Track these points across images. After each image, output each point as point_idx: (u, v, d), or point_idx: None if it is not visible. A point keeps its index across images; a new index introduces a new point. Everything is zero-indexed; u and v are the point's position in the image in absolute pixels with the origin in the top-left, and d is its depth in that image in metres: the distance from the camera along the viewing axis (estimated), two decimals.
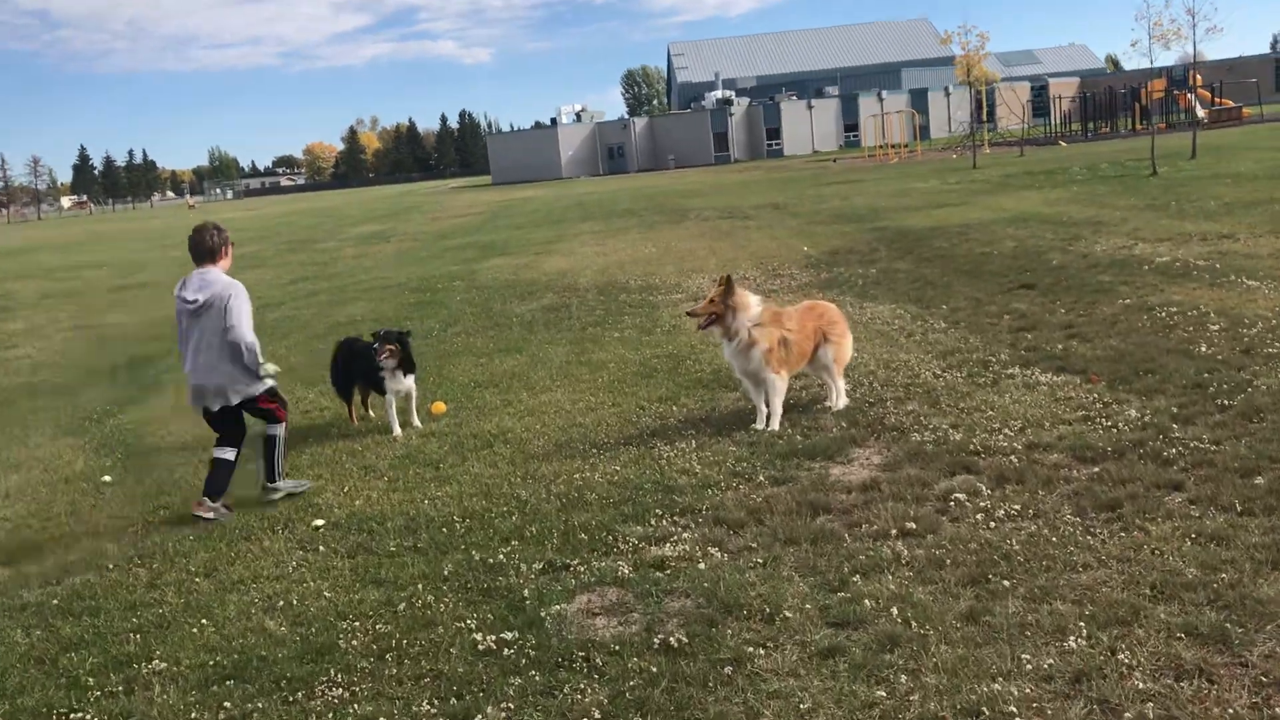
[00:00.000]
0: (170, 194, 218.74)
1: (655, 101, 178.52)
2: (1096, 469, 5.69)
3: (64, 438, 9.05)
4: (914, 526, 5.08)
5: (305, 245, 30.16)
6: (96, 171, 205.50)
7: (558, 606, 4.59)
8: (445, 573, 5.08)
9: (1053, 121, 68.92)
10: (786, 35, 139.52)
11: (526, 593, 4.75)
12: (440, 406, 8.19)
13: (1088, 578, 4.41)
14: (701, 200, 34.55)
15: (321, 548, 5.60)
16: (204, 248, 6.52)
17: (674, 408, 7.83)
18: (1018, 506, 5.25)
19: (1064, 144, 53.12)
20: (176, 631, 4.73)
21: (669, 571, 4.85)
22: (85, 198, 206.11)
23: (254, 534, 5.94)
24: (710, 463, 6.38)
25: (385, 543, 5.56)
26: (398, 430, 7.77)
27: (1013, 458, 5.98)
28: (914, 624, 4.12)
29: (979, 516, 5.18)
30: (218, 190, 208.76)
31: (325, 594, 4.97)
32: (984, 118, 47.63)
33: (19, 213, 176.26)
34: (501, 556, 5.19)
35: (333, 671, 4.20)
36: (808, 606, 4.36)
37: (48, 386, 11.82)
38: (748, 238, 20.50)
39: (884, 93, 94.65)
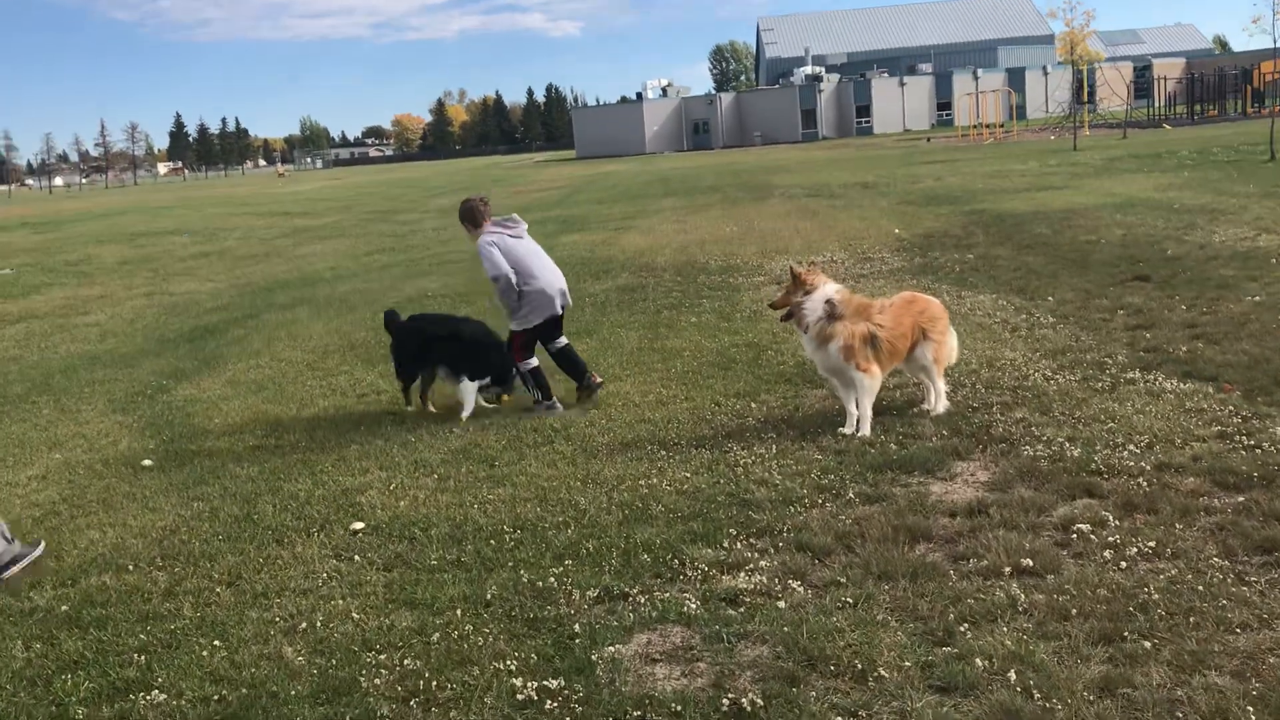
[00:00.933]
0: (262, 162, 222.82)
1: (743, 77, 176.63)
2: (1242, 498, 4.89)
3: (114, 414, 8.67)
4: (1030, 563, 4.35)
5: (387, 216, 29.88)
6: (191, 139, 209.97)
7: (612, 648, 3.95)
8: (488, 596, 4.47)
9: (1156, 103, 66.29)
10: (879, 11, 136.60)
11: (578, 627, 4.11)
12: None
13: (1247, 641, 3.65)
14: (787, 178, 33.60)
15: (357, 557, 5.04)
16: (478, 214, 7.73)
17: (753, 405, 7.13)
18: (1152, 543, 4.48)
19: (1168, 127, 50.95)
20: (185, 654, 4.20)
21: (743, 609, 4.18)
22: (180, 164, 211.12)
23: (288, 536, 5.40)
24: (792, 473, 5.68)
25: (426, 554, 4.97)
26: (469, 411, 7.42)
27: (1141, 480, 5.19)
28: (1036, 694, 3.41)
29: (1107, 554, 4.42)
30: (308, 159, 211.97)
31: (353, 615, 4.39)
32: (1085, 98, 45.63)
33: (117, 178, 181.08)
34: (553, 579, 4.56)
35: (349, 719, 3.62)
36: (907, 663, 3.67)
37: (110, 357, 11.52)
38: (835, 218, 19.63)
39: (979, 71, 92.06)
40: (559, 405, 7.56)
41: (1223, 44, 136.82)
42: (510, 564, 4.79)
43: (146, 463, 6.98)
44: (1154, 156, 28.52)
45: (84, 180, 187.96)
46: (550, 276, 7.70)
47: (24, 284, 19.30)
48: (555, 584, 4.52)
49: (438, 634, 4.17)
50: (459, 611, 4.34)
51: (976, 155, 38.18)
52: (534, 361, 7.64)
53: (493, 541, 5.07)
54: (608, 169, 58.02)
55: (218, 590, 4.81)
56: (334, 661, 4.02)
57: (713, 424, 6.74)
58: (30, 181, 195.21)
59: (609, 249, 17.55)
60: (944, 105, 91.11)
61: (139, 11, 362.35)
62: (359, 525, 5.42)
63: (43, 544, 5.35)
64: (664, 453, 6.20)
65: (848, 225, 18.09)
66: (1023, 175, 26.28)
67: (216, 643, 4.26)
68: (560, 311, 7.73)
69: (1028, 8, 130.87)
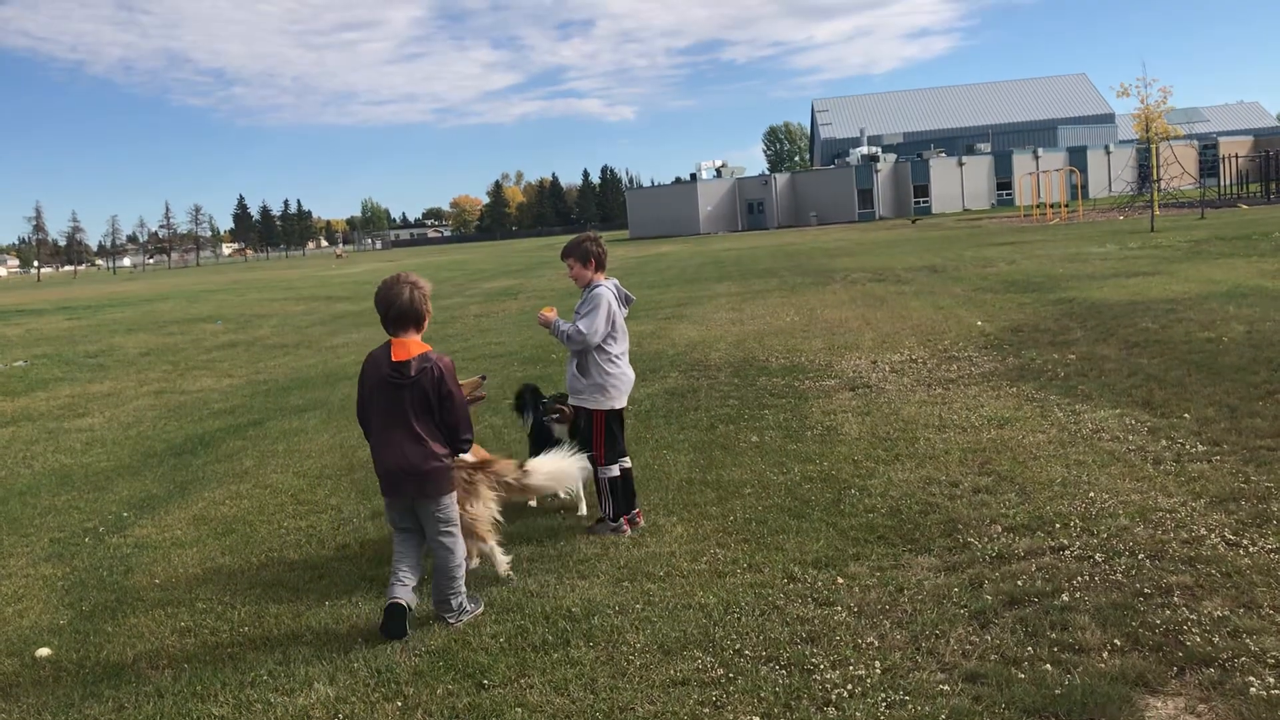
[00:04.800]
0: (324, 242, 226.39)
1: (797, 158, 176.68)
2: None
3: (46, 562, 7.07)
4: None
5: (431, 300, 28.28)
6: (255, 220, 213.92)
7: None
8: None
9: (1223, 182, 64.05)
10: (935, 91, 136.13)
11: None
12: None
13: None
14: (849, 260, 31.93)
15: None
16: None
17: (839, 581, 5.34)
18: None
19: (1244, 206, 48.80)
20: None
21: None
22: (244, 245, 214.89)
23: None
24: (911, 717, 3.90)
25: None
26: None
27: None
28: None
29: None
30: (368, 240, 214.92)
31: None
32: (1156, 177, 43.75)
33: (181, 259, 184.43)
34: None
35: None
36: None
37: (84, 475, 10.03)
38: (906, 306, 17.86)
39: (1040, 150, 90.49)
40: (626, 529, 6.35)
41: None
42: None
43: (43, 652, 5.33)
44: (1243, 239, 26.53)
45: (149, 261, 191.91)
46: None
47: (33, 377, 18.04)
48: None
49: None
50: None
51: (1045, 236, 36.31)
52: (616, 469, 6.55)
53: None
54: (660, 250, 56.83)
55: None
56: None
57: (786, 615, 4.95)
58: (100, 262, 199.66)
59: (658, 341, 15.92)
60: (1004, 185, 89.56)
61: (213, 98, 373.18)
62: None
63: None
64: (720, 671, 4.41)
65: (922, 315, 16.32)
66: (1103, 259, 24.40)
67: None
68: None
69: (1087, 88, 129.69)
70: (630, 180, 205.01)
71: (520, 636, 4.93)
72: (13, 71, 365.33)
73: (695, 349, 14.73)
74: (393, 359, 5.19)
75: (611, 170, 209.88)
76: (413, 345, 5.27)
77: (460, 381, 5.58)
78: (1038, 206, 60.45)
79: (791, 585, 5.33)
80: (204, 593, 6.10)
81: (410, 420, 5.16)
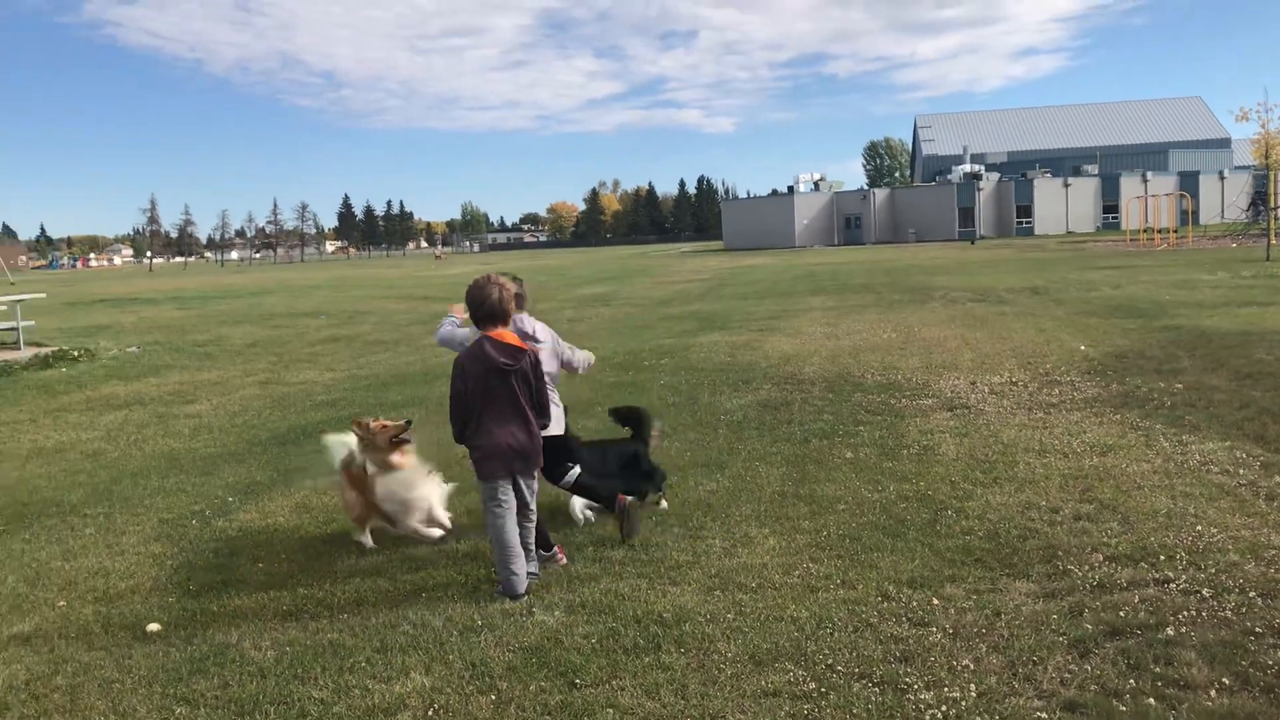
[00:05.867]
0: (424, 244, 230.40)
1: (897, 174, 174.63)
2: None
3: (156, 542, 7.34)
4: None
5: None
6: (358, 219, 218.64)
7: None
8: None
9: None
10: (1041, 110, 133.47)
11: None
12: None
13: None
14: (947, 278, 31.45)
15: None
16: None
17: (934, 601, 5.28)
18: None
19: None
20: None
21: None
22: (346, 243, 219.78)
23: None
24: None
25: None
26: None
27: None
28: None
29: None
30: (466, 243, 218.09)
31: None
32: (1273, 204, 42.29)
33: (286, 255, 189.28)
34: None
35: None
36: None
37: (192, 459, 10.37)
38: (1007, 327, 17.53)
39: (1149, 174, 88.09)
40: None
41: None
42: None
43: (153, 627, 5.54)
44: None
45: (256, 255, 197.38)
46: None
47: (145, 364, 18.71)
48: None
49: None
50: None
51: (1152, 262, 35.35)
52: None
53: None
54: (754, 262, 56.64)
55: None
56: None
57: (879, 633, 4.91)
58: (208, 254, 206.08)
59: (750, 353, 15.88)
60: (1110, 208, 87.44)
61: (322, 99, 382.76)
62: None
63: None
64: (812, 685, 4.39)
65: (1023, 338, 16.01)
66: (1214, 287, 23.65)
67: None
68: None
69: (1202, 111, 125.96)
70: (726, 191, 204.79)
71: (612, 638, 4.98)
72: (138, 69, 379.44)
73: (789, 362, 14.66)
74: (509, 345, 5.67)
75: (708, 180, 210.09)
76: (510, 336, 5.72)
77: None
78: (1145, 231, 58.83)
79: (885, 603, 5.28)
80: (305, 579, 6.28)
81: (520, 403, 5.74)
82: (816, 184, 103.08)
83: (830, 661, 4.61)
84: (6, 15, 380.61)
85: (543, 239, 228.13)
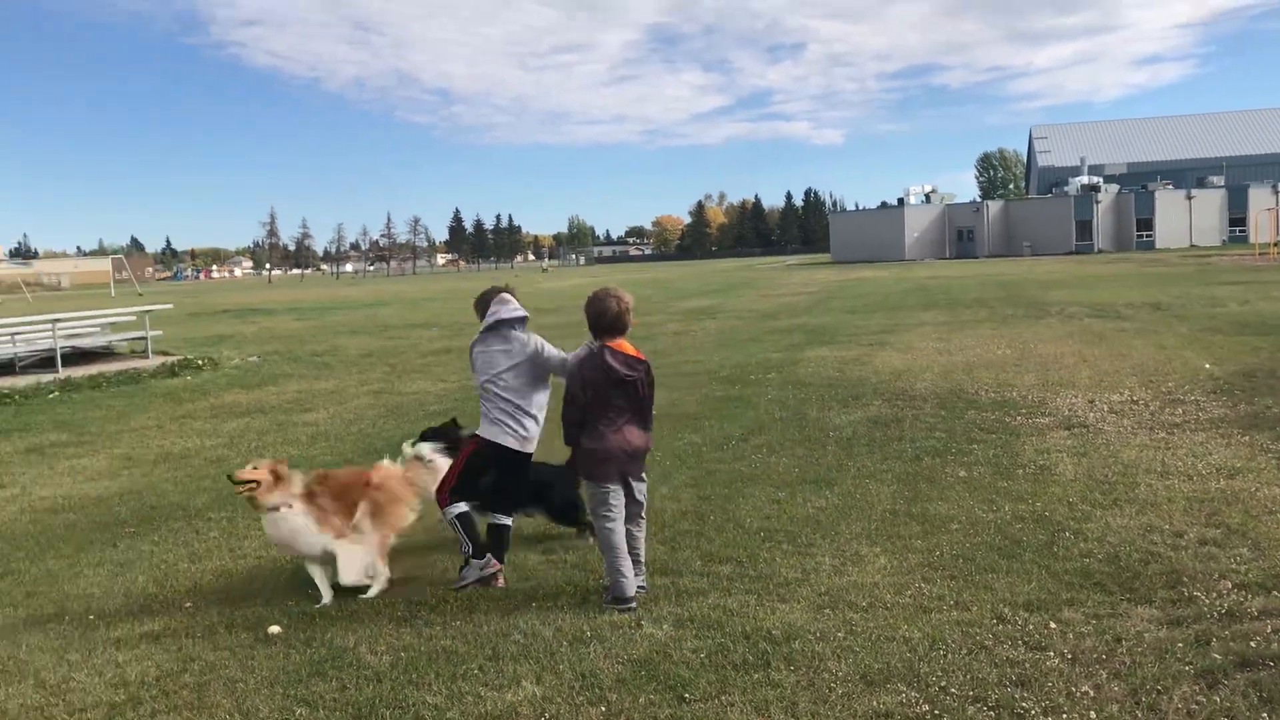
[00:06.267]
0: (531, 256, 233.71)
1: (1011, 186, 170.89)
2: None
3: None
4: None
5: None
6: (468, 233, 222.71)
7: None
8: None
9: None
10: (1164, 120, 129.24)
11: None
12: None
13: None
14: (1064, 293, 30.64)
15: None
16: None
17: (1052, 625, 5.14)
18: None
19: None
20: None
21: None
22: (456, 256, 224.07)
23: None
24: None
25: None
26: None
27: None
28: None
29: None
30: (572, 256, 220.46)
31: None
32: None
33: (399, 267, 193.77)
34: None
35: None
36: None
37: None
38: (1126, 344, 17.00)
39: None
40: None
41: None
42: None
43: (274, 629, 5.73)
44: None
45: (369, 268, 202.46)
46: None
47: (265, 373, 19.34)
48: None
49: None
50: None
51: None
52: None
53: None
54: (863, 275, 55.99)
55: None
56: None
57: (994, 656, 4.80)
58: (324, 267, 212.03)
59: (860, 368, 15.70)
60: (1237, 220, 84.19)
61: (435, 115, 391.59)
62: None
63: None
64: (925, 707, 4.31)
65: (1144, 355, 15.51)
66: None
67: None
68: None
69: None
70: (834, 203, 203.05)
71: (721, 654, 4.97)
72: (259, 87, 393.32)
73: (899, 378, 14.46)
74: (629, 356, 5.88)
75: (815, 193, 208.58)
76: (628, 346, 5.93)
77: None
78: (1276, 244, 56.51)
79: (1001, 626, 5.16)
80: (418, 586, 6.41)
81: (640, 409, 5.95)
82: (928, 196, 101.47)
83: (944, 684, 4.53)
84: (140, 37, 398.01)
85: (647, 252, 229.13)
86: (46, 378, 17.78)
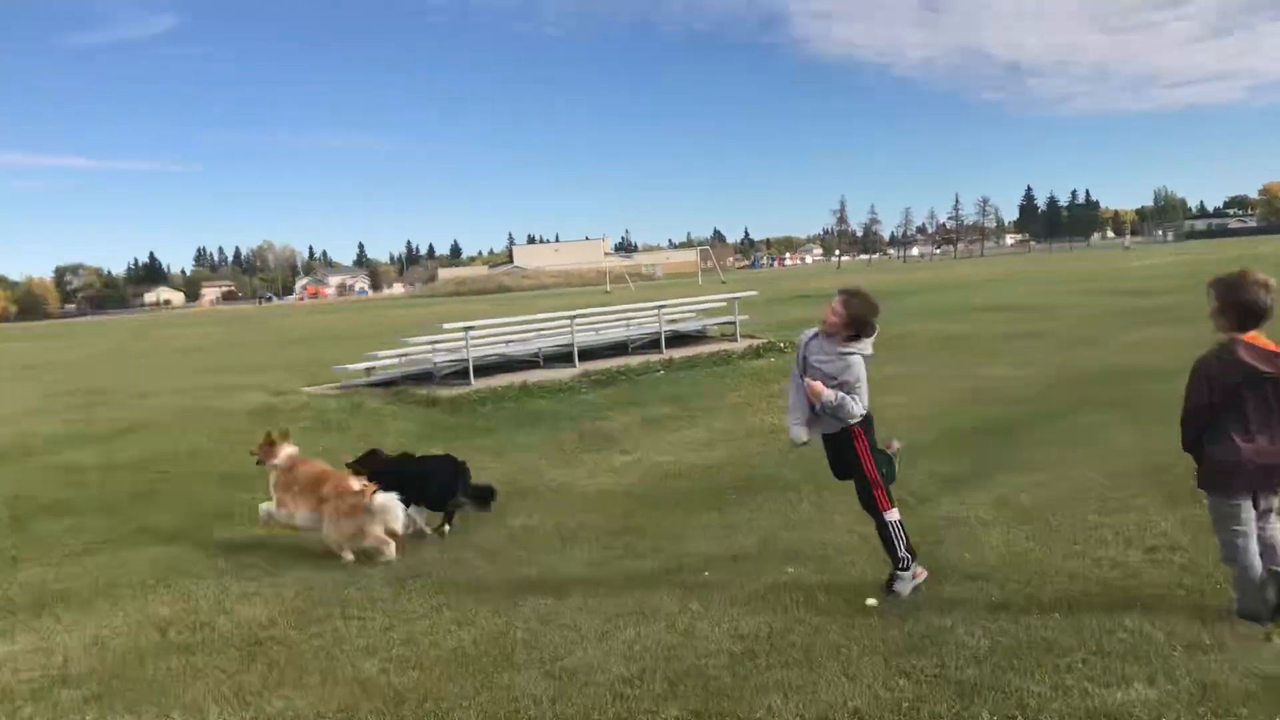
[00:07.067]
0: (1111, 234, 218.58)
1: None
2: None
3: (861, 525, 7.87)
4: None
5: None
6: (1040, 211, 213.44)
7: None
8: None
9: None
10: None
11: None
12: None
13: None
14: None
15: None
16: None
17: None
18: None
19: None
20: None
21: None
22: (1026, 236, 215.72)
23: None
24: None
25: None
26: None
27: None
28: None
29: None
30: (1159, 231, 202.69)
31: None
32: None
33: (966, 250, 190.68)
34: None
35: None
36: None
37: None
38: None
39: None
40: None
41: None
42: None
43: (870, 602, 5.99)
44: None
45: (936, 251, 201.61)
46: None
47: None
48: None
49: None
50: None
51: None
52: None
53: None
54: None
55: None
56: None
57: None
58: (890, 251, 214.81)
59: None
60: None
61: (1006, 91, 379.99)
62: None
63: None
64: None
65: None
66: None
67: None
68: None
69: None
70: None
71: None
72: (829, 77, 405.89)
73: None
74: (1266, 350, 5.15)
75: None
76: (1264, 340, 5.21)
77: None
78: None
79: None
80: (1011, 573, 6.34)
81: (1269, 412, 5.18)
82: None
83: None
84: (724, 40, 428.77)
85: (1251, 224, 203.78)
86: (654, 358, 19.90)
